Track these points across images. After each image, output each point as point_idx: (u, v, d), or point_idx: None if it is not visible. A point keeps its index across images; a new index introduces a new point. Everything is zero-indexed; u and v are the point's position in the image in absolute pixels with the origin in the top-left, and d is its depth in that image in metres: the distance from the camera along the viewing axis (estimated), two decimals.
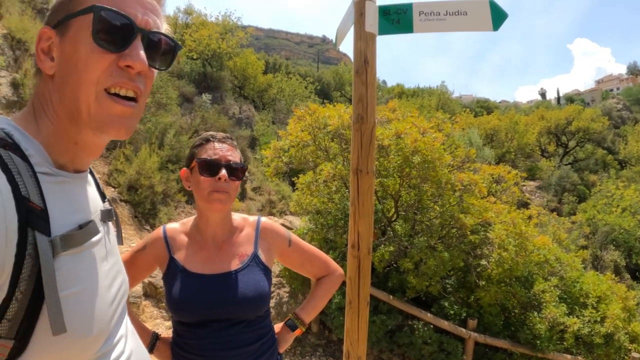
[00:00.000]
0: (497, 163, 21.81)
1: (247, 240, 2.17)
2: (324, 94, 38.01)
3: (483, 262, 6.39)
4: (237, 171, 2.03)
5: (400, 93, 44.90)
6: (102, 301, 1.03)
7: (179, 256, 2.08)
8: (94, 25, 0.94)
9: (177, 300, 1.97)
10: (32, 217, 0.84)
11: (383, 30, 2.98)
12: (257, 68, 27.33)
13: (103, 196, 1.27)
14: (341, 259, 6.86)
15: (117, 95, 0.98)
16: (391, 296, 6.35)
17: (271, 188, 14.96)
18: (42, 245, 0.84)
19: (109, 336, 1.07)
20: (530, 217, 7.41)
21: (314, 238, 7.28)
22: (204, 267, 2.04)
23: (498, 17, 2.77)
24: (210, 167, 1.98)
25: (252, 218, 2.27)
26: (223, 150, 2.04)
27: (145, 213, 11.06)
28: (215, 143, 2.05)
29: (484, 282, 6.22)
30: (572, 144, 32.61)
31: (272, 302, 6.88)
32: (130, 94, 1.00)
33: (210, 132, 2.11)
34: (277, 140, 8.35)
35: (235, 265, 2.06)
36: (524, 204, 9.99)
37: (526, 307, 6.50)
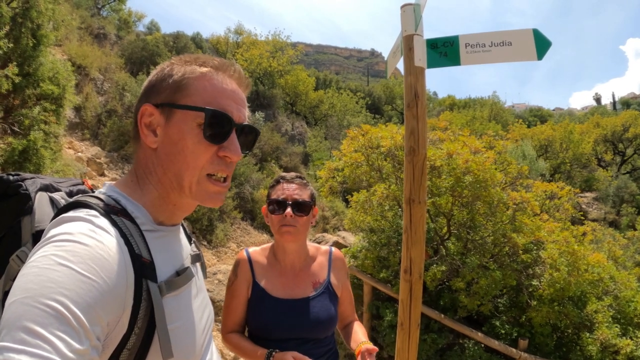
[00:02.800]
0: (552, 175, 21.34)
1: (321, 268, 2.43)
2: (375, 109, 37.86)
3: (535, 282, 6.33)
4: (303, 207, 2.26)
5: (452, 105, 44.17)
6: (196, 331, 1.26)
7: (261, 280, 2.33)
8: (205, 123, 1.14)
9: (260, 322, 2.25)
10: (144, 269, 1.05)
11: (431, 64, 3.11)
12: (308, 85, 27.56)
13: (189, 239, 1.50)
14: (394, 277, 6.94)
15: (213, 176, 1.20)
16: (442, 315, 6.33)
17: (325, 204, 15.08)
18: (154, 290, 1.06)
19: (201, 358, 1.31)
20: (584, 234, 7.27)
21: (367, 256, 7.35)
22: (283, 292, 2.30)
23: (542, 45, 2.87)
24: (278, 206, 2.25)
25: (324, 247, 2.53)
26: (290, 189, 2.28)
27: (203, 229, 11.39)
28: (284, 184, 2.30)
29: (535, 302, 6.12)
30: (629, 151, 30.74)
31: None
32: (224, 176, 1.22)
33: (282, 174, 2.38)
34: (331, 160, 8.49)
35: (310, 291, 2.33)
36: (578, 220, 9.75)
37: (579, 328, 6.35)
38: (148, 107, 1.18)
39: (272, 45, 25.55)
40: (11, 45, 4.30)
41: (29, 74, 4.71)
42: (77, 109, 12.84)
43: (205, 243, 11.26)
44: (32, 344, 0.75)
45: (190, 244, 1.48)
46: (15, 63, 4.35)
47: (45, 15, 4.79)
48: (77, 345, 0.80)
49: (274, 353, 2.09)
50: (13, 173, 1.31)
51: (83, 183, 1.45)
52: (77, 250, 0.90)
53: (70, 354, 0.78)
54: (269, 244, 2.49)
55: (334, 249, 2.55)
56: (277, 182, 2.34)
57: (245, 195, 13.53)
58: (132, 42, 19.43)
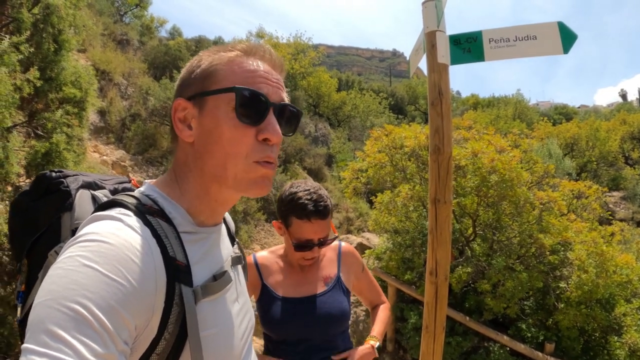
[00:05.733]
0: (579, 174, 20.97)
1: (330, 263, 2.36)
2: (398, 109, 37.61)
3: (562, 284, 6.20)
4: (327, 243, 2.22)
5: (475, 104, 43.65)
6: (234, 338, 1.20)
7: (270, 282, 2.28)
8: (237, 104, 1.07)
9: (272, 323, 2.19)
10: (178, 273, 1.01)
11: (455, 60, 3.05)
12: (331, 86, 27.48)
13: (232, 239, 1.45)
14: (419, 279, 6.88)
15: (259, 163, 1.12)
16: (468, 317, 6.27)
17: (349, 205, 15.03)
18: (187, 295, 1.01)
19: None
20: (612, 234, 7.12)
21: (392, 258, 7.30)
22: (294, 291, 2.25)
23: (568, 39, 2.79)
24: (304, 247, 2.16)
25: (334, 243, 2.43)
26: (319, 230, 2.15)
27: None
28: (313, 222, 2.12)
29: (562, 305, 6.00)
30: None
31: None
32: (271, 161, 1.13)
33: (310, 202, 2.12)
34: (355, 161, 8.45)
35: (321, 288, 2.26)
36: (606, 220, 9.57)
37: (606, 331, 6.19)
38: (181, 101, 1.13)
39: (294, 48, 25.56)
40: (32, 49, 4.38)
41: (51, 78, 4.82)
42: (102, 113, 13.01)
43: None
44: (54, 348, 0.74)
45: (233, 245, 1.43)
46: (36, 67, 4.42)
47: (66, 20, 4.85)
48: (100, 350, 0.78)
49: None
50: (56, 170, 1.33)
51: (130, 181, 1.44)
52: (102, 251, 0.88)
53: (92, 358, 0.76)
54: (280, 246, 2.44)
55: (343, 243, 2.48)
56: (303, 216, 2.12)
57: (269, 197, 13.51)
58: (155, 47, 19.57)
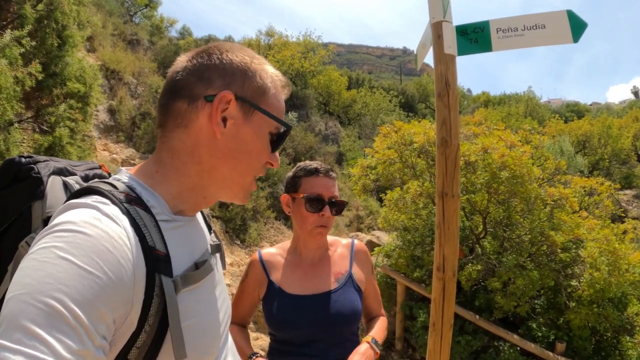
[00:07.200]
0: (591, 172, 20.78)
1: (342, 259, 2.27)
2: (409, 107, 37.51)
3: (574, 282, 6.07)
4: (341, 207, 2.16)
5: (486, 101, 43.47)
6: (214, 327, 1.17)
7: (276, 278, 2.18)
8: (277, 134, 1.20)
9: (278, 321, 2.10)
10: (157, 263, 0.96)
11: (462, 51, 2.99)
12: (341, 84, 27.50)
13: (209, 227, 1.40)
14: (428, 276, 6.80)
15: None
16: (477, 316, 6.18)
17: (359, 204, 14.98)
18: (167, 286, 0.96)
19: (217, 356, 1.21)
20: (625, 232, 7.01)
21: (401, 255, 7.25)
22: (302, 287, 2.14)
23: (577, 27, 2.72)
24: (316, 204, 2.10)
25: (345, 240, 2.38)
26: (328, 185, 2.14)
27: (236, 229, 11.43)
28: (321, 177, 2.15)
29: (574, 304, 5.89)
30: None
31: None
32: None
33: (316, 164, 2.20)
34: (364, 158, 8.39)
35: (332, 284, 2.16)
36: (618, 217, 9.45)
37: (618, 331, 6.08)
38: (229, 95, 1.09)
39: (304, 46, 25.49)
40: (34, 43, 4.39)
41: (55, 73, 4.85)
42: (112, 112, 13.06)
43: (239, 242, 11.29)
44: (28, 345, 0.70)
45: (210, 233, 1.39)
46: (38, 61, 4.44)
47: (70, 16, 4.89)
48: (76, 346, 0.74)
49: (253, 357, 2.02)
50: (25, 155, 1.24)
51: (100, 167, 1.37)
52: (78, 242, 0.83)
53: (67, 355, 0.72)
54: (287, 241, 2.35)
55: (356, 241, 2.39)
56: (312, 172, 2.16)
57: (278, 195, 13.45)
58: (165, 47, 19.60)
